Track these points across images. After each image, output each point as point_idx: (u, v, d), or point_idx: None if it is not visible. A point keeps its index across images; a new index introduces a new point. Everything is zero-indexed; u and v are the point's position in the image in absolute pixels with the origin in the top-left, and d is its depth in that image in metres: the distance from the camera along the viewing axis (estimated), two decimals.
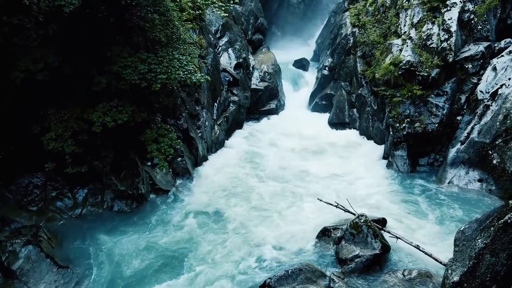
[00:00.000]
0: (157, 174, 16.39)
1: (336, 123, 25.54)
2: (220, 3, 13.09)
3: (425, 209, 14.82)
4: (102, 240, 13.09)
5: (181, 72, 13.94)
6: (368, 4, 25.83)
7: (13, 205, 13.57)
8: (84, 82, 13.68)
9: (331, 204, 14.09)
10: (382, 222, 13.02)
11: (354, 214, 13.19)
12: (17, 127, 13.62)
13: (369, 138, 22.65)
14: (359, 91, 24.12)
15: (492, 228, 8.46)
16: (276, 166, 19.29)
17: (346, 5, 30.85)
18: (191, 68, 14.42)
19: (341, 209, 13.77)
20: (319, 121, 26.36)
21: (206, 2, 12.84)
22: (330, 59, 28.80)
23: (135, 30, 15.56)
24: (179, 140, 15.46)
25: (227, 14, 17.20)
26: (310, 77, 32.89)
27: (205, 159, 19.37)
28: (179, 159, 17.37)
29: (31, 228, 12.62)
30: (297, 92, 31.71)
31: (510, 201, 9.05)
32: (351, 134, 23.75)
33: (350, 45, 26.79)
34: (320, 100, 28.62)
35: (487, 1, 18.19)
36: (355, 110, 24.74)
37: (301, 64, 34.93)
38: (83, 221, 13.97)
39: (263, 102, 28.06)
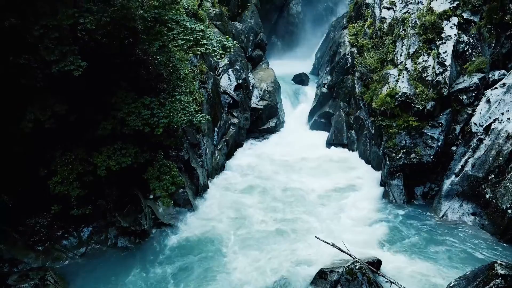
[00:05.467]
0: (159, 207, 16.84)
1: (335, 144, 26.00)
2: (221, 51, 13.38)
3: (420, 247, 15.26)
4: (107, 282, 13.53)
5: (183, 115, 14.37)
6: (366, 25, 26.18)
7: (20, 246, 14.04)
8: (90, 127, 14.11)
9: (327, 243, 14.52)
10: (377, 264, 13.48)
11: (350, 255, 13.66)
12: (24, 170, 14.08)
13: (366, 162, 23.09)
14: (357, 113, 24.56)
15: None
16: (272, 197, 19.54)
17: (344, 22, 31.25)
18: (192, 109, 14.83)
19: (337, 249, 14.22)
20: (318, 141, 26.81)
21: (207, 51, 13.17)
22: (329, 77, 29.18)
23: (137, 63, 15.98)
24: (180, 178, 15.87)
25: (227, 61, 17.61)
26: (310, 92, 33.30)
27: (206, 187, 19.81)
28: (181, 190, 17.71)
29: (38, 271, 13.07)
30: (297, 108, 32.16)
31: (495, 265, 9.53)
32: (349, 157, 24.20)
33: (348, 65, 27.13)
34: (319, 118, 29.10)
35: (476, 61, 18.71)
36: (353, 132, 25.19)
37: (300, 79, 35.35)
38: (88, 260, 14.42)
39: (262, 121, 28.51)
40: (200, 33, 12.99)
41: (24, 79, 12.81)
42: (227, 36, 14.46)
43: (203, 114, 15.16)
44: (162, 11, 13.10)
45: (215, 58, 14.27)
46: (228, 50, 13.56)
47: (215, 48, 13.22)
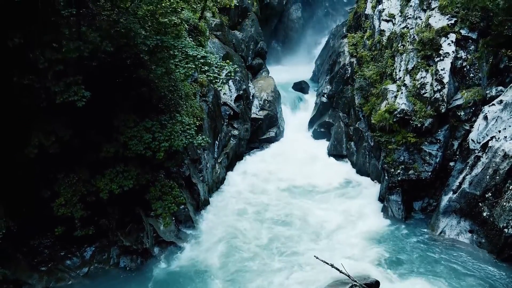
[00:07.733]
0: (160, 225, 17.02)
1: (334, 155, 26.21)
2: (222, 77, 13.59)
3: (418, 266, 15.49)
4: None
5: (184, 138, 14.58)
6: (365, 37, 26.33)
7: (24, 266, 14.26)
8: (92, 149, 14.32)
9: (326, 263, 14.65)
10: (375, 285, 13.70)
11: (348, 277, 13.87)
12: (27, 192, 14.27)
13: (365, 174, 23.31)
14: (357, 125, 24.74)
15: None
16: (268, 220, 19.41)
17: (344, 31, 31.38)
18: (192, 131, 15.04)
19: (336, 269, 14.41)
20: (317, 151, 26.96)
21: (208, 77, 13.37)
22: (328, 87, 29.35)
23: (139, 81, 16.16)
24: (182, 197, 16.09)
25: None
26: (310, 100, 33.40)
27: (207, 202, 20.01)
28: (182, 206, 17.80)
29: None
30: (297, 116, 32.26)
31: None
32: (348, 169, 24.42)
33: (348, 75, 27.29)
34: (319, 127, 29.31)
35: (472, 91, 18.94)
36: (352, 143, 25.39)
37: (300, 86, 35.49)
38: (90, 280, 14.62)
39: (263, 130, 28.65)
40: (201, 60, 13.21)
41: (27, 99, 12.99)
42: (228, 60, 14.63)
43: (204, 136, 15.39)
44: (164, 37, 13.28)
45: (215, 86, 14.45)
46: (229, 75, 13.75)
47: (216, 75, 13.42)
